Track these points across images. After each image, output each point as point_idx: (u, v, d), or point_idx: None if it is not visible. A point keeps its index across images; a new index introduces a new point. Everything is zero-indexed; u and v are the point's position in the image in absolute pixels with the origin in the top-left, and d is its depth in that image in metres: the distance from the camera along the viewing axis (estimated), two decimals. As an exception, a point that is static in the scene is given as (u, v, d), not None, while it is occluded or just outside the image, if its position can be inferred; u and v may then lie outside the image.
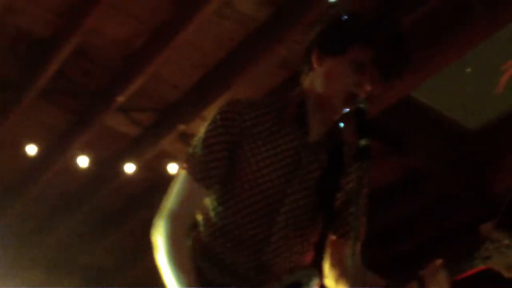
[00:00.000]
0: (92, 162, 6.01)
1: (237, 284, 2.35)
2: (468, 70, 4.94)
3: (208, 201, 2.44)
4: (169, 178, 6.52)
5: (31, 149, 5.85)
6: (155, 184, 6.39)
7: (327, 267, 2.41)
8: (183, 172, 2.41)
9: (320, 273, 2.35)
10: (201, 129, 2.45)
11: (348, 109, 2.34)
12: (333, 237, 2.43)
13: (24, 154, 5.89)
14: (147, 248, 7.64)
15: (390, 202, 6.13)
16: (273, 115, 2.43)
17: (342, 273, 2.35)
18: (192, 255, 2.39)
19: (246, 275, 2.37)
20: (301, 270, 2.31)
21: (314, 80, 2.43)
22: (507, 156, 5.58)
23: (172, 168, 5.82)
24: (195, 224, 2.46)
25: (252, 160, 2.37)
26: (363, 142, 2.12)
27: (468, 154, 5.73)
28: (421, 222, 6.44)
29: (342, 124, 2.45)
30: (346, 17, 2.42)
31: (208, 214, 2.44)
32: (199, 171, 2.37)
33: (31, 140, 5.84)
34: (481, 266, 2.20)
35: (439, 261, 2.23)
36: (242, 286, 2.35)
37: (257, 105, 2.45)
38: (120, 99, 5.23)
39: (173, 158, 5.88)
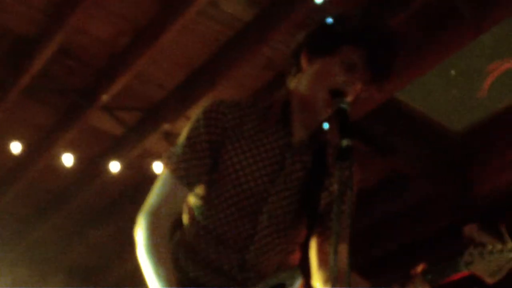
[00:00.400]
0: (77, 161, 5.99)
1: (221, 282, 2.36)
2: (453, 72, 4.96)
3: (192, 200, 2.45)
4: (154, 177, 6.49)
5: (15, 147, 5.82)
6: (139, 183, 6.38)
7: (313, 268, 2.42)
8: (165, 170, 2.42)
9: (304, 274, 2.36)
10: (184, 128, 2.46)
11: (331, 111, 2.34)
12: (318, 238, 2.44)
13: (8, 152, 5.87)
14: (132, 247, 7.62)
15: (373, 204, 6.14)
16: (257, 115, 2.44)
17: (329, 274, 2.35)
18: (174, 251, 2.41)
19: (230, 273, 2.38)
20: (284, 271, 2.31)
21: (301, 81, 2.43)
22: (490, 159, 5.60)
23: (157, 167, 5.81)
24: (180, 223, 2.47)
25: (235, 159, 2.38)
26: (345, 142, 2.11)
27: (452, 156, 5.75)
28: (405, 223, 6.45)
29: (326, 126, 2.45)
30: (334, 18, 2.42)
31: (192, 213, 2.46)
32: (180, 169, 2.38)
33: (15, 138, 5.81)
34: (464, 271, 2.20)
35: (421, 266, 2.23)
36: (226, 284, 2.36)
37: (241, 105, 2.46)
38: (105, 97, 5.22)
39: (158, 157, 5.87)
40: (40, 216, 6.93)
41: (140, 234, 2.37)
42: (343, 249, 2.11)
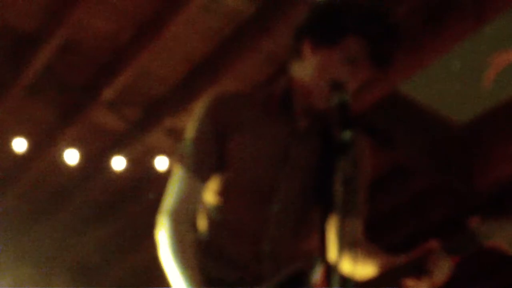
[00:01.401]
0: (80, 157, 5.99)
1: (238, 276, 2.35)
2: (456, 64, 4.95)
3: (204, 196, 2.45)
4: (157, 173, 6.53)
5: (18, 145, 5.82)
6: (142, 178, 6.38)
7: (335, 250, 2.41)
8: (177, 169, 2.42)
9: (322, 259, 2.32)
10: (189, 123, 2.46)
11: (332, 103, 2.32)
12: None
13: (11, 149, 5.87)
14: (136, 243, 7.65)
15: (377, 196, 6.14)
16: (259, 104, 2.43)
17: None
18: (197, 251, 2.39)
19: (247, 266, 2.36)
20: (304, 259, 2.28)
21: (304, 69, 2.40)
22: (494, 150, 5.60)
23: (160, 163, 5.81)
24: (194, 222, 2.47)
25: (241, 151, 2.38)
26: (346, 134, 2.11)
27: (456, 148, 5.74)
28: (408, 216, 6.46)
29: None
30: (338, 5, 2.39)
31: (205, 210, 2.45)
32: (192, 164, 2.37)
33: (18, 136, 5.81)
34: (483, 243, 2.17)
35: (434, 243, 2.20)
36: (244, 277, 2.35)
37: (243, 96, 2.48)
38: (107, 93, 5.22)
39: (161, 153, 5.87)
40: (43, 213, 6.93)
41: (163, 235, 2.35)
42: (359, 224, 2.10)
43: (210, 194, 2.43)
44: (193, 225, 2.44)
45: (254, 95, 2.48)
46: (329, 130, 2.41)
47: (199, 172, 2.37)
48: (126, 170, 6.05)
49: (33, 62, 5.04)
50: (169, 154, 5.89)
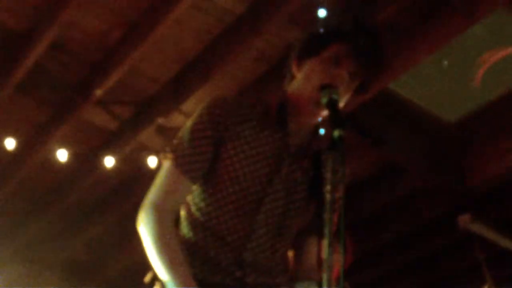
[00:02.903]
0: (71, 156, 5.99)
1: (220, 278, 2.37)
2: (445, 63, 4.97)
3: (190, 197, 2.46)
4: (148, 172, 6.52)
5: (9, 143, 5.81)
6: (134, 177, 6.38)
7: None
8: (168, 164, 2.41)
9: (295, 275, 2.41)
10: (187, 122, 2.47)
11: (324, 115, 2.38)
12: (313, 237, 2.48)
13: (2, 148, 5.85)
14: (128, 241, 7.64)
15: (367, 195, 6.16)
16: (257, 116, 2.47)
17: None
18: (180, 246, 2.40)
19: (229, 270, 2.39)
20: (300, 282, 2.28)
21: (294, 84, 2.50)
22: (484, 149, 5.62)
23: (151, 161, 5.81)
24: (177, 220, 2.47)
25: (235, 158, 2.40)
26: (336, 133, 2.13)
27: (446, 146, 5.76)
28: (399, 214, 6.48)
29: (322, 131, 2.49)
30: (317, 22, 2.49)
31: (189, 209, 2.46)
32: (185, 164, 2.38)
33: (9, 134, 5.80)
34: None
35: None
36: (225, 280, 2.37)
37: (243, 105, 2.49)
38: (98, 92, 5.21)
39: (152, 152, 5.87)
40: (35, 212, 6.92)
41: (146, 228, 2.35)
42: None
43: (194, 195, 2.45)
44: (175, 221, 2.44)
45: (253, 106, 2.51)
46: (319, 153, 2.47)
47: (190, 171, 2.38)
48: (117, 168, 6.05)
49: (24, 61, 5.03)
50: (160, 152, 5.88)
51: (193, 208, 2.45)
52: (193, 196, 2.45)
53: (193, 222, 2.44)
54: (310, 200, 2.46)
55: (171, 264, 2.28)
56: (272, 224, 2.42)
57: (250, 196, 2.39)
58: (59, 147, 5.89)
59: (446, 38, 4.56)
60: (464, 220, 5.80)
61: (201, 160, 2.39)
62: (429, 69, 5.03)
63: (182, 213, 2.49)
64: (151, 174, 6.36)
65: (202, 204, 2.43)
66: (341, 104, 2.38)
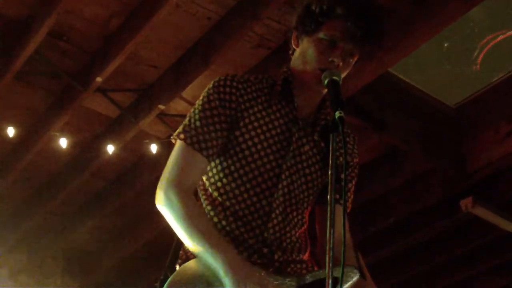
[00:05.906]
0: (72, 144, 5.99)
1: (246, 255, 2.36)
2: (445, 46, 4.96)
3: (206, 178, 2.46)
4: (149, 159, 6.50)
5: (10, 132, 5.80)
6: (135, 164, 6.39)
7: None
8: (180, 143, 2.40)
9: (311, 241, 2.44)
10: (197, 101, 2.47)
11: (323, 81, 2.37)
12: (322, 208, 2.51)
13: (2, 137, 5.85)
14: (130, 229, 7.63)
15: (369, 179, 6.17)
16: (264, 92, 2.49)
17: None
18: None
19: (255, 246, 2.38)
20: (340, 267, 2.21)
21: (295, 59, 2.52)
22: (485, 132, 5.62)
23: (152, 148, 5.81)
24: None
25: (247, 136, 2.41)
26: (337, 113, 2.14)
27: (446, 130, 5.77)
28: (400, 198, 6.48)
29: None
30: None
31: (207, 190, 2.46)
32: (198, 141, 2.37)
33: (9, 123, 5.79)
34: None
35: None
36: (252, 257, 2.36)
37: (251, 82, 2.50)
38: (99, 80, 5.20)
39: (153, 139, 5.87)
40: (37, 201, 6.92)
41: (169, 205, 2.31)
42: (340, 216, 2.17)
43: (210, 175, 2.45)
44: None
45: (261, 82, 2.52)
46: (326, 124, 2.48)
47: (204, 149, 2.37)
48: (119, 155, 6.05)
49: (23, 49, 5.01)
50: (161, 138, 5.89)
51: (211, 189, 2.44)
52: (210, 176, 2.45)
53: (212, 202, 2.44)
54: (324, 171, 2.48)
55: (208, 237, 2.25)
56: (290, 199, 2.42)
57: (265, 174, 2.39)
58: (60, 136, 5.88)
59: (446, 21, 4.55)
60: (466, 204, 5.82)
61: (214, 137, 2.38)
62: (429, 53, 5.02)
63: (200, 194, 2.48)
64: (152, 161, 6.37)
65: (219, 184, 2.42)
66: (343, 75, 2.39)
